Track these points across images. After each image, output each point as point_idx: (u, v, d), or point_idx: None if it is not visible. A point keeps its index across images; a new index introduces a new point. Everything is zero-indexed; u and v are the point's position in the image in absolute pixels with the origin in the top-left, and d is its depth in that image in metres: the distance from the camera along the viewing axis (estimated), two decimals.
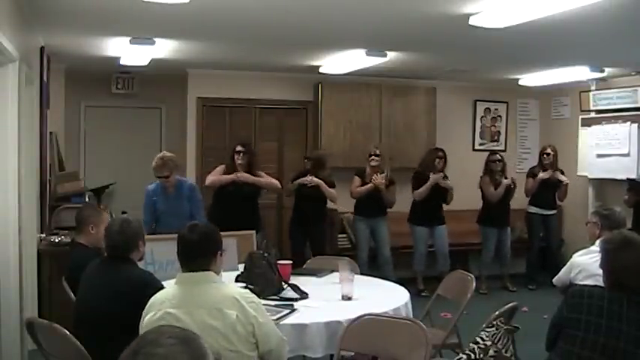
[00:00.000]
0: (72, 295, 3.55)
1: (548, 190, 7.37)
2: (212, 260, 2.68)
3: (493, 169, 7.23)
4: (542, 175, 7.28)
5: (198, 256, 2.65)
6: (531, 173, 7.49)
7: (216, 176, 5.73)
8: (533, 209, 7.48)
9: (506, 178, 7.23)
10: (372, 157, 6.71)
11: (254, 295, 2.70)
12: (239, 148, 5.76)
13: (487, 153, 7.57)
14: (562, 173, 7.42)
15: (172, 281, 3.01)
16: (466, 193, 7.25)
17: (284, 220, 7.57)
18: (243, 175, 5.67)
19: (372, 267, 6.67)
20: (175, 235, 4.57)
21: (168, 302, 2.57)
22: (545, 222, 7.49)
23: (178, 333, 1.34)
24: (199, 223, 2.89)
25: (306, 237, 6.48)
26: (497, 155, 7.33)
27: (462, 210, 7.22)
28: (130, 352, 1.29)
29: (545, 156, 7.39)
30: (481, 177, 7.26)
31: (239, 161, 5.70)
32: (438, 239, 7.02)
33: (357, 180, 6.74)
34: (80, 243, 3.87)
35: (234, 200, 5.67)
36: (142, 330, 2.60)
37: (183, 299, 2.56)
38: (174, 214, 5.09)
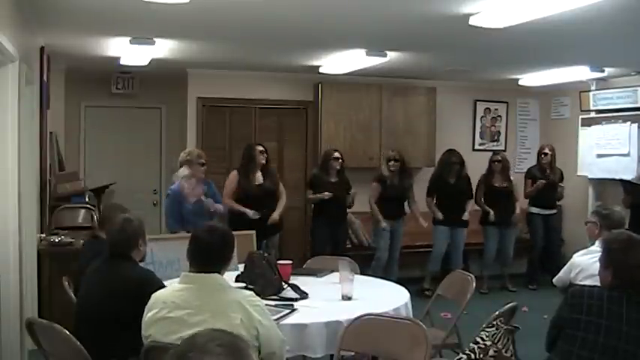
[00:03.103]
0: (72, 295, 3.56)
1: (548, 191, 7.37)
2: (225, 265, 2.69)
3: (494, 169, 7.25)
4: (538, 183, 7.27)
5: (213, 259, 2.65)
6: (530, 174, 7.51)
7: (234, 205, 5.75)
8: (534, 210, 7.49)
9: (508, 178, 7.26)
10: (392, 162, 6.78)
11: (258, 299, 2.70)
12: (261, 148, 5.93)
13: (488, 153, 7.58)
14: (561, 173, 7.43)
15: (172, 281, 3.02)
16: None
17: (284, 220, 7.56)
18: (256, 214, 5.75)
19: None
20: (175, 236, 4.61)
21: (171, 302, 2.56)
22: (546, 222, 7.49)
23: (228, 341, 1.31)
24: (218, 225, 2.85)
25: (330, 238, 6.51)
26: (498, 156, 7.35)
27: None
28: (177, 354, 1.27)
29: (543, 156, 7.40)
30: (479, 178, 7.30)
31: (262, 161, 5.88)
32: (458, 239, 7.05)
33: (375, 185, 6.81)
34: (100, 237, 3.87)
35: (263, 200, 5.80)
36: (143, 326, 2.61)
37: (188, 300, 2.55)
38: (200, 213, 5.07)
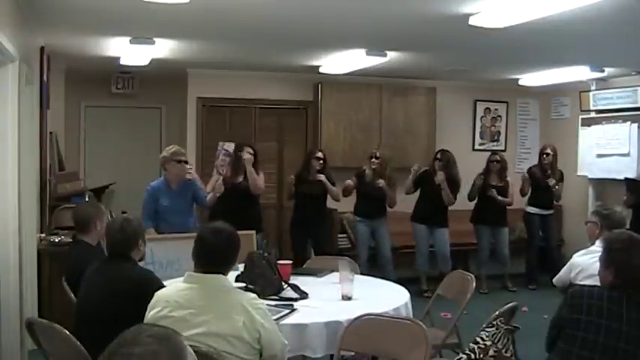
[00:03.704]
0: (72, 295, 3.55)
1: (545, 191, 7.38)
2: (229, 266, 2.69)
3: (491, 169, 7.26)
4: (526, 175, 7.36)
5: (217, 260, 2.64)
6: (530, 173, 7.52)
7: (210, 190, 5.49)
8: (532, 209, 7.50)
9: (504, 179, 7.27)
10: (373, 159, 6.70)
11: (261, 301, 2.70)
12: (250, 149, 5.81)
13: (488, 153, 7.59)
14: (561, 174, 7.45)
15: (172, 281, 3.01)
16: (466, 193, 7.25)
17: (284, 219, 7.57)
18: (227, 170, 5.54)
19: (372, 267, 6.68)
20: (175, 236, 4.60)
21: (174, 301, 2.56)
22: (543, 222, 7.50)
23: (157, 332, 1.33)
24: (223, 226, 2.77)
25: (308, 237, 6.49)
26: (497, 156, 7.36)
27: (461, 210, 7.22)
28: (108, 352, 1.28)
29: (544, 156, 7.40)
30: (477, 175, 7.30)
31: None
32: (439, 241, 7.01)
33: (352, 180, 6.75)
34: (84, 241, 3.87)
35: (236, 199, 5.63)
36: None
37: (192, 300, 2.55)
38: (177, 211, 5.05)
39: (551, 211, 7.53)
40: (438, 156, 6.97)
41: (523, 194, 7.49)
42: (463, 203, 7.23)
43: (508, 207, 7.32)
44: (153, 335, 1.30)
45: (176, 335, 1.35)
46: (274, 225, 7.54)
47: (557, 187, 7.33)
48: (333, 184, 6.45)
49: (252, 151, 5.82)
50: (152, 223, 4.98)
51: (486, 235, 7.30)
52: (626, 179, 6.72)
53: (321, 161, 6.44)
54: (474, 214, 7.33)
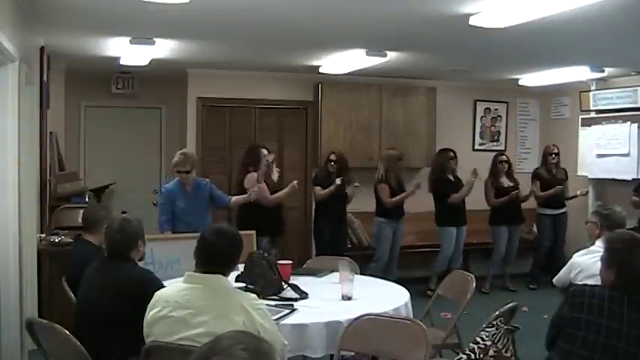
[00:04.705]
0: (72, 295, 3.56)
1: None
2: (231, 267, 2.70)
3: (501, 169, 7.26)
4: (551, 192, 7.28)
5: (220, 262, 2.64)
6: (537, 175, 7.50)
7: (279, 195, 5.88)
8: (544, 210, 7.49)
9: (512, 179, 7.29)
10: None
11: (261, 302, 2.70)
12: (265, 151, 5.93)
13: (488, 153, 7.59)
14: (566, 172, 7.47)
15: (172, 281, 3.01)
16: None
17: (285, 220, 7.56)
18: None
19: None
20: (175, 236, 4.60)
21: (174, 301, 2.56)
22: (555, 221, 7.50)
23: (251, 344, 1.30)
24: (226, 227, 2.79)
25: (332, 237, 6.57)
26: (504, 156, 7.39)
27: None
28: (200, 356, 1.26)
29: (553, 156, 7.41)
30: (485, 180, 7.28)
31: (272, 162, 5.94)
32: (461, 238, 7.08)
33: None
34: (87, 240, 3.90)
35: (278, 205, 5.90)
36: (145, 324, 2.60)
37: (191, 300, 2.54)
38: (194, 212, 5.08)
39: (563, 210, 7.52)
40: (452, 155, 7.01)
41: (539, 199, 7.45)
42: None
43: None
44: (248, 349, 1.27)
45: (271, 351, 1.32)
46: None
47: (579, 192, 7.35)
48: (345, 188, 6.56)
49: (266, 152, 5.93)
50: (170, 226, 5.06)
51: (504, 237, 7.31)
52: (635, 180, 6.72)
53: (332, 163, 6.60)
54: (492, 215, 7.33)
